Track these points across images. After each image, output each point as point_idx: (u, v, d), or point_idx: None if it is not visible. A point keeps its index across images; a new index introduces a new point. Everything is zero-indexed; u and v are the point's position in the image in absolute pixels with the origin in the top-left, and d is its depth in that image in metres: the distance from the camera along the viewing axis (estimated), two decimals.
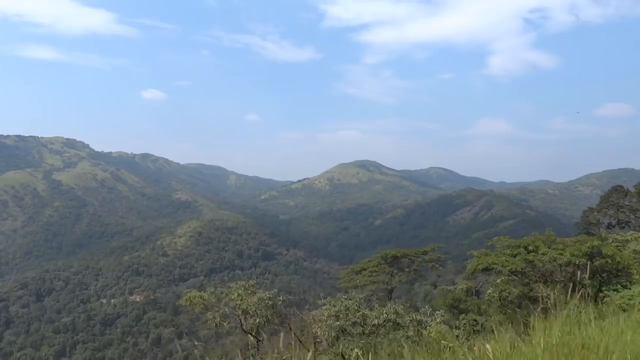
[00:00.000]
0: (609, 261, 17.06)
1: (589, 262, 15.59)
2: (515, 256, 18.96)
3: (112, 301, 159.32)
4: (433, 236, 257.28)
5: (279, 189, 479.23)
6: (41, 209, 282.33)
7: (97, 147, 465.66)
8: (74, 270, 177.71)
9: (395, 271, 25.53)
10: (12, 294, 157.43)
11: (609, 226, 43.75)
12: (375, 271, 24.70)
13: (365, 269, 24.97)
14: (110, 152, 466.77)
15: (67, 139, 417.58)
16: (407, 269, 26.23)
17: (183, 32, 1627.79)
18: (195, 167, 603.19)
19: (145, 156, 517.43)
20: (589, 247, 17.44)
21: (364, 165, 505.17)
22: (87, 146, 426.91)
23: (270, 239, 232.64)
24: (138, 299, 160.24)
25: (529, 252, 19.09)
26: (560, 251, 18.00)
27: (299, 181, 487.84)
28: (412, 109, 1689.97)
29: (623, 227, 42.20)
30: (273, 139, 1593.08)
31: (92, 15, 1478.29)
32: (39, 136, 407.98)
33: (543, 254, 18.14)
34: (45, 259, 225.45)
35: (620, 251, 21.10)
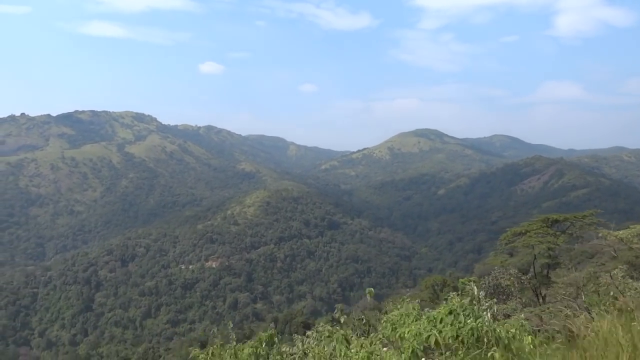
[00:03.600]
0: None
1: None
2: None
3: (190, 267, 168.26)
4: (500, 205, 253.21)
5: (339, 159, 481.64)
6: (117, 180, 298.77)
7: (164, 120, 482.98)
8: (152, 237, 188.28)
9: (558, 233, 26.60)
10: (100, 259, 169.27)
11: None
12: (541, 232, 25.85)
13: (529, 231, 26.16)
14: (176, 125, 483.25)
15: (137, 113, 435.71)
16: (568, 231, 27.20)
17: (239, 3, 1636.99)
18: (256, 138, 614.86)
19: (209, 128, 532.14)
20: None
21: (424, 134, 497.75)
22: (155, 119, 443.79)
23: (335, 209, 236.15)
24: (214, 265, 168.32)
25: None
26: None
27: (358, 151, 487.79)
28: (473, 74, 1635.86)
29: None
30: (330, 109, 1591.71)
31: None
32: (111, 111, 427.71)
33: None
34: (123, 227, 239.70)
35: None
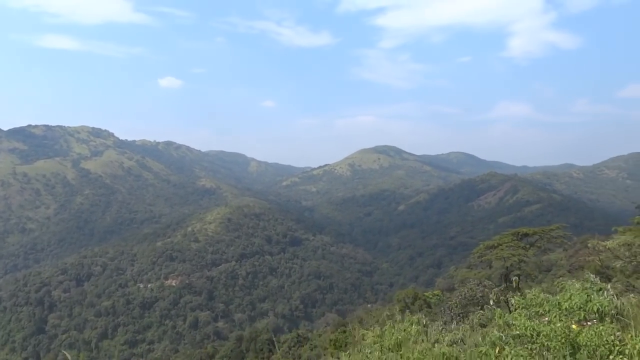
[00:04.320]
0: None
1: None
2: None
3: (148, 285, 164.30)
4: (458, 220, 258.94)
5: (300, 175, 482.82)
6: (72, 197, 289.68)
7: (121, 135, 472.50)
8: (110, 256, 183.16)
9: (527, 246, 27.87)
10: (53, 279, 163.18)
11: None
12: (512, 245, 27.03)
13: (501, 244, 27.28)
14: (134, 141, 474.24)
15: (93, 128, 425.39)
16: (536, 244, 28.48)
17: (199, 19, 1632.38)
18: (216, 154, 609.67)
19: (168, 144, 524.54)
20: None
21: (384, 150, 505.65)
22: (112, 135, 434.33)
23: (297, 225, 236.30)
24: (174, 284, 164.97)
25: None
26: None
27: (319, 167, 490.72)
28: (429, 93, 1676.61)
29: None
30: (291, 125, 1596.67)
31: (108, 4, 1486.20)
32: (66, 126, 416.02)
33: None
34: (78, 245, 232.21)
35: None
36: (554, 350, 4.67)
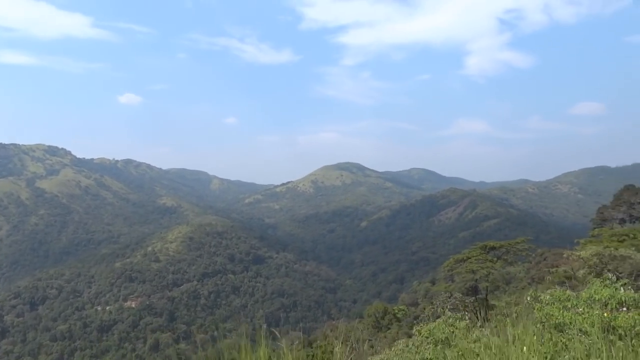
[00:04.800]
0: None
1: None
2: (622, 242, 22.51)
3: (107, 308, 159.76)
4: (419, 236, 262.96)
5: (262, 193, 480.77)
6: (26, 218, 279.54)
7: (79, 153, 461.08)
8: (66, 278, 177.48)
9: (495, 259, 29.06)
10: (6, 304, 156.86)
11: (622, 222, 47.88)
12: (480, 259, 28.13)
13: (470, 257, 28.36)
14: (92, 159, 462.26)
15: (49, 146, 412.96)
16: (503, 257, 29.70)
17: (160, 35, 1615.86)
18: (178, 172, 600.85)
19: (128, 162, 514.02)
20: None
21: (346, 167, 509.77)
22: (69, 153, 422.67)
23: (260, 243, 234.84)
24: (133, 305, 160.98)
25: (633, 237, 22.92)
26: None
27: (282, 184, 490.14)
28: (391, 110, 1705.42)
29: (634, 222, 46.44)
30: (253, 142, 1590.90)
31: (67, 19, 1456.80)
32: (20, 144, 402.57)
33: None
34: (32, 267, 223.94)
35: None
36: (592, 335, 5.48)
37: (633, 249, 19.68)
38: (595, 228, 51.82)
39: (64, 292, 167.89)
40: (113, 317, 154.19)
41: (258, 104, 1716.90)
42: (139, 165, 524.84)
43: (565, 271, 24.10)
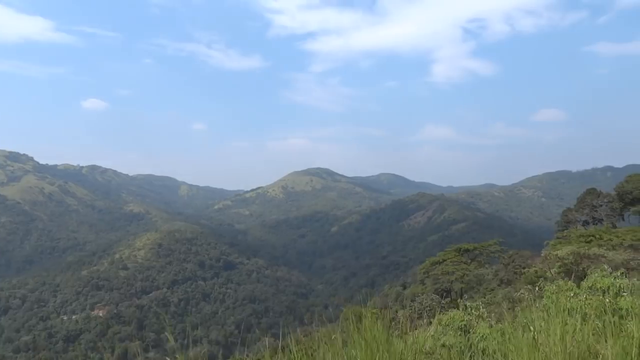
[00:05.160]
0: None
1: None
2: (589, 242, 23.63)
3: (73, 317, 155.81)
4: (389, 240, 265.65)
5: (232, 199, 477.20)
6: None
7: (42, 159, 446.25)
8: (29, 287, 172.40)
9: (469, 261, 29.89)
10: None
11: (584, 223, 49.78)
12: (455, 261, 28.89)
13: (445, 260, 29.10)
14: (56, 165, 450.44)
15: (10, 152, 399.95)
16: (477, 259, 30.56)
17: (125, 40, 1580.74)
18: (145, 178, 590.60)
19: (93, 168, 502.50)
20: None
21: (316, 173, 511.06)
22: (32, 159, 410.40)
23: (231, 249, 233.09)
24: (101, 314, 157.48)
25: (599, 238, 24.17)
26: (621, 238, 22.89)
27: (252, 190, 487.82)
28: (359, 116, 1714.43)
29: (596, 224, 48.37)
30: (222, 148, 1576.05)
31: (27, 22, 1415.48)
32: None
33: (608, 240, 22.93)
34: None
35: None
36: (598, 317, 6.06)
37: (604, 248, 20.88)
38: (559, 230, 53.84)
39: (27, 301, 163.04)
40: (80, 327, 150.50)
41: (227, 109, 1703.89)
42: (104, 171, 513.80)
43: (536, 271, 25.16)
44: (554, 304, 6.09)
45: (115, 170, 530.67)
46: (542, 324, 4.69)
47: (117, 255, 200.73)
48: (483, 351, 5.76)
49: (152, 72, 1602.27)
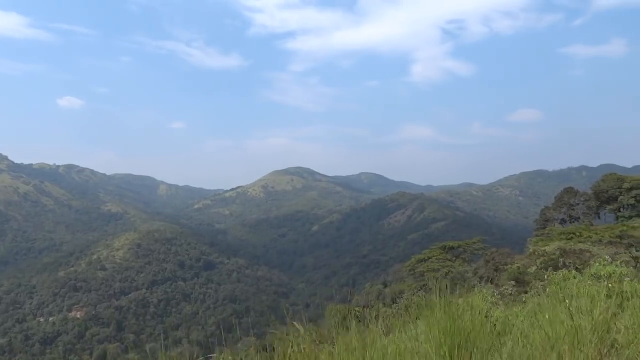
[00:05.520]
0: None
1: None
2: (570, 239, 24.29)
3: (50, 319, 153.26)
4: (370, 239, 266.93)
5: (212, 198, 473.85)
6: None
7: (17, 158, 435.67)
8: (4, 289, 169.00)
9: (454, 258, 30.34)
10: None
11: (562, 221, 50.88)
12: (440, 258, 29.32)
13: (430, 257, 29.52)
14: (31, 164, 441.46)
15: None
16: (461, 256, 31.04)
17: (102, 37, 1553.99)
18: (123, 177, 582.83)
19: (69, 167, 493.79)
20: (620, 231, 23.86)
21: (297, 172, 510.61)
22: (6, 158, 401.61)
23: (211, 249, 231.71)
24: (78, 315, 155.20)
25: (579, 235, 25.06)
26: (600, 235, 23.68)
27: (232, 189, 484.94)
28: (339, 115, 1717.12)
29: (573, 222, 49.49)
30: (201, 147, 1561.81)
31: (1, 18, 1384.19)
32: None
33: (587, 237, 23.69)
34: None
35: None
36: (604, 300, 6.40)
37: (588, 244, 21.67)
38: (538, 228, 54.89)
39: (2, 303, 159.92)
40: (57, 329, 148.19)
41: (206, 108, 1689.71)
42: (81, 170, 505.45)
43: (518, 267, 25.79)
44: (562, 289, 6.45)
45: (92, 170, 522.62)
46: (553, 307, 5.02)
47: (94, 256, 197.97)
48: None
49: (130, 70, 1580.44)
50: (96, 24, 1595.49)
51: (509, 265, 30.13)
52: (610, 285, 6.91)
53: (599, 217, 54.91)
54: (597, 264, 8.70)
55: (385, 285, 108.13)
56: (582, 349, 3.69)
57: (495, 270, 45.68)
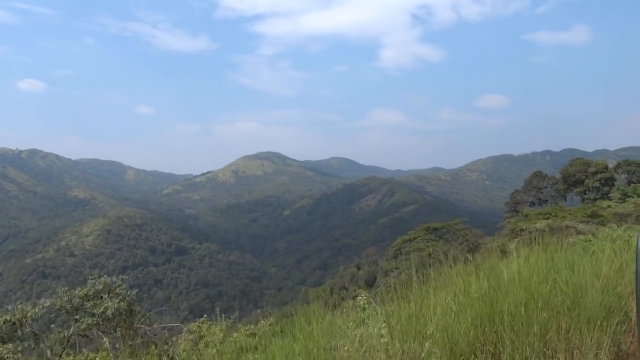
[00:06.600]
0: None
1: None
2: (545, 219, 25.69)
3: (18, 307, 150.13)
4: (341, 223, 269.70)
5: (181, 183, 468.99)
6: None
7: None
8: None
9: (437, 238, 31.60)
10: None
11: (531, 204, 53.13)
12: (425, 239, 30.52)
13: (416, 238, 30.70)
14: None
15: None
16: (444, 237, 32.34)
17: (63, 18, 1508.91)
18: (89, 162, 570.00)
19: (33, 152, 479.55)
20: (591, 211, 25.63)
21: (267, 156, 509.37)
22: None
23: (182, 234, 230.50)
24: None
25: (554, 215, 26.61)
26: (573, 215, 25.28)
27: (202, 174, 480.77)
28: (310, 100, 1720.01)
29: (542, 205, 51.74)
30: (168, 132, 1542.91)
31: None
32: None
33: (562, 217, 25.15)
34: None
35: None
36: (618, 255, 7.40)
37: (574, 221, 23.37)
38: (509, 210, 57.07)
39: None
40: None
41: (173, 92, 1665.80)
42: (46, 155, 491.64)
43: (499, 245, 27.31)
44: (583, 247, 7.55)
45: (57, 155, 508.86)
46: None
47: (63, 242, 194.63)
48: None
49: (93, 53, 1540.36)
50: (56, 4, 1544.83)
51: (486, 245, 31.69)
52: (622, 243, 8.09)
53: (565, 200, 57.51)
54: (608, 229, 9.90)
55: (359, 269, 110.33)
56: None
57: (470, 250, 47.59)
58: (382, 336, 3.78)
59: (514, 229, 27.56)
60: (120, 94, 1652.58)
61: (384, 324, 3.96)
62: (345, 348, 3.72)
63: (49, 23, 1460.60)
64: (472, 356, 3.49)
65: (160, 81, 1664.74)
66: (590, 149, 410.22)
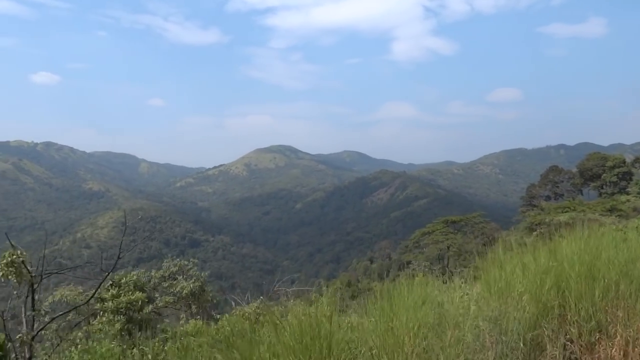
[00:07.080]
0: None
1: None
2: (565, 213, 26.04)
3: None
4: (353, 217, 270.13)
5: (194, 176, 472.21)
6: None
7: None
8: None
9: (456, 231, 31.99)
10: None
11: (547, 198, 53.12)
12: (443, 231, 30.94)
13: (434, 231, 31.15)
14: (8, 142, 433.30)
15: None
16: (463, 230, 32.71)
17: (76, 11, 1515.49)
18: (103, 155, 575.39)
19: (48, 145, 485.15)
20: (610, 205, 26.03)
21: (279, 150, 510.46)
22: None
23: (195, 226, 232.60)
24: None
25: (573, 209, 26.97)
26: (592, 209, 25.66)
27: (214, 167, 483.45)
28: (322, 93, 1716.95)
29: (557, 199, 51.72)
30: (181, 125, 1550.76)
31: None
32: None
33: (582, 211, 25.52)
34: None
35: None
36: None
37: (597, 214, 23.70)
38: (525, 205, 57.04)
39: None
40: None
41: (185, 85, 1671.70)
42: (60, 148, 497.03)
43: (516, 239, 27.63)
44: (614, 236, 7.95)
45: (71, 147, 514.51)
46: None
47: (79, 234, 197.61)
48: None
49: (107, 46, 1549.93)
50: None
51: (506, 237, 31.99)
52: None
53: (582, 194, 57.38)
54: (638, 219, 10.28)
55: (372, 262, 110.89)
56: None
57: (485, 244, 47.85)
58: (480, 296, 4.62)
59: (533, 222, 27.81)
60: (133, 87, 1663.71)
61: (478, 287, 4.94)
62: (453, 303, 4.45)
63: (63, 16, 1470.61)
64: (552, 309, 4.35)
65: (172, 74, 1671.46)
66: (605, 143, 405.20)
